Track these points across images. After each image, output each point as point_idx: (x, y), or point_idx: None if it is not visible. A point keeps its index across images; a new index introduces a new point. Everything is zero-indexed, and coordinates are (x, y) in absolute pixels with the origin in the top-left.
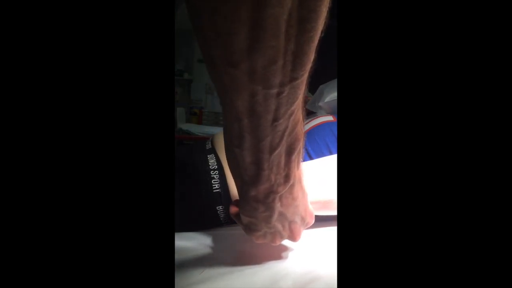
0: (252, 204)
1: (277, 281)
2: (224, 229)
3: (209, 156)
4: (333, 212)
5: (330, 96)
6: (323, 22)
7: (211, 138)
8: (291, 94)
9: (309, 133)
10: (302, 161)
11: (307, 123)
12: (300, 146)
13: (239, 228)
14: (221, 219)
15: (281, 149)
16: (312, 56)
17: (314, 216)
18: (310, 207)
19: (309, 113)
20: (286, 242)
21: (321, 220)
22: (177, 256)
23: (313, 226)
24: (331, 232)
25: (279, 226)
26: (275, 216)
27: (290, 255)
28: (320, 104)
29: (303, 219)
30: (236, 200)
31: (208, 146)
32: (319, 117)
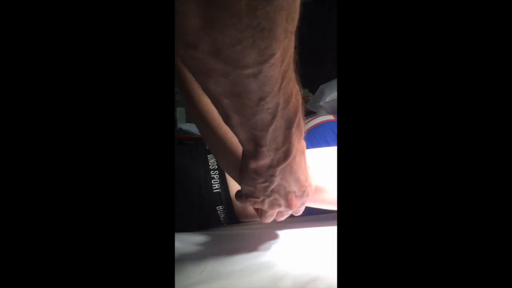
0: (251, 175)
1: (277, 281)
2: (224, 229)
3: (209, 156)
4: (325, 204)
5: (331, 95)
6: None
7: None
8: (272, 72)
9: (310, 132)
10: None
11: (307, 122)
12: (299, 118)
13: (239, 228)
14: (221, 219)
15: (277, 125)
16: (290, 25)
17: (313, 187)
18: (311, 178)
19: (310, 113)
20: (286, 242)
21: (321, 220)
22: (177, 256)
23: (313, 226)
24: (331, 232)
25: (277, 195)
26: (273, 186)
27: (290, 255)
28: (321, 103)
29: (302, 190)
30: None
31: None
32: (319, 116)
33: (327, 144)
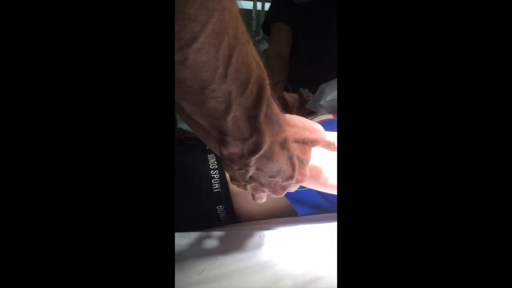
0: (226, 161)
1: (277, 281)
2: (224, 229)
3: (209, 156)
4: (319, 185)
5: (331, 95)
6: None
7: None
8: (203, 57)
9: None
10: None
11: None
12: (267, 107)
13: (239, 227)
14: (221, 218)
15: (236, 114)
16: (216, 2)
17: (306, 175)
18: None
19: (310, 112)
20: (286, 241)
21: (321, 220)
22: (177, 256)
23: (313, 226)
24: (331, 232)
25: (258, 183)
26: (250, 174)
27: (290, 255)
28: (321, 103)
29: (288, 179)
30: None
31: None
32: (319, 115)
33: None
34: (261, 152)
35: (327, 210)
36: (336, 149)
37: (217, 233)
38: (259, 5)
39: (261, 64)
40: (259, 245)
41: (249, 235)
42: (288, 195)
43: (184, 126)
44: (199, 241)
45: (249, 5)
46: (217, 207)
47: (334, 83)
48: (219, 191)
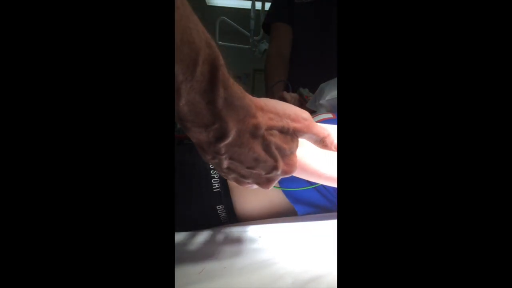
0: (198, 149)
1: (276, 280)
2: (224, 228)
3: None
4: (310, 174)
5: (331, 94)
6: None
7: None
8: None
9: None
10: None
11: None
12: (224, 92)
13: (239, 227)
14: (221, 218)
15: (189, 99)
16: None
17: (294, 165)
18: (293, 156)
19: (310, 112)
20: (286, 241)
21: (320, 219)
22: (177, 255)
23: (313, 225)
24: (330, 231)
25: (237, 174)
26: (225, 164)
27: (290, 253)
28: (321, 102)
29: (273, 168)
30: None
31: None
32: (319, 114)
33: None
34: (228, 139)
35: (326, 210)
36: (327, 147)
37: (216, 233)
38: (259, 5)
39: (212, 43)
40: (258, 244)
41: (248, 235)
42: (288, 194)
43: None
44: (198, 240)
45: (248, 5)
46: (217, 207)
47: (333, 83)
48: (219, 190)
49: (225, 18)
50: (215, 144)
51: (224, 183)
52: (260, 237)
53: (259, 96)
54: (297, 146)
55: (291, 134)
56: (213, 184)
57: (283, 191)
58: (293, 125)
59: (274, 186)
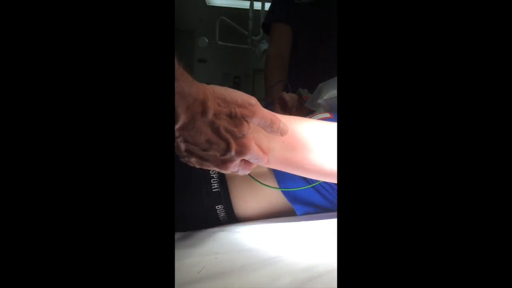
0: None
1: (275, 279)
2: (223, 228)
3: None
4: (294, 168)
5: (329, 94)
6: None
7: None
8: None
9: None
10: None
11: None
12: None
13: (238, 227)
14: (221, 218)
15: None
16: None
17: (247, 147)
18: (249, 138)
19: (309, 111)
20: (285, 240)
21: (319, 219)
22: (176, 255)
23: (312, 224)
24: (329, 231)
25: (196, 156)
26: (183, 146)
27: (289, 253)
28: (319, 101)
29: (226, 150)
30: None
31: None
32: (317, 114)
33: None
34: (179, 123)
35: (325, 209)
36: (274, 132)
37: (215, 232)
38: (259, 5)
39: None
40: (258, 244)
41: (247, 234)
42: (287, 194)
43: None
44: (197, 240)
45: (247, 5)
46: (216, 206)
47: (331, 82)
48: (218, 190)
49: (225, 18)
50: None
51: (223, 183)
52: (259, 236)
53: (259, 96)
54: (248, 129)
55: (239, 119)
56: (212, 184)
57: (282, 191)
58: (239, 110)
59: (272, 187)
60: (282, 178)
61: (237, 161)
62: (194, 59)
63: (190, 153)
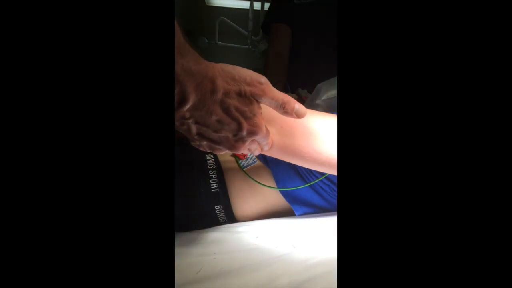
0: None
1: (273, 280)
2: (221, 228)
3: (207, 156)
4: (292, 158)
5: (327, 94)
6: None
7: None
8: None
9: None
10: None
11: None
12: (180, 61)
13: (236, 227)
14: (219, 218)
15: None
16: None
17: (259, 126)
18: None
19: None
20: (283, 241)
21: (318, 219)
22: (174, 255)
23: (311, 225)
24: (328, 231)
25: (207, 140)
26: (194, 129)
27: (288, 253)
28: (317, 102)
29: (238, 129)
30: None
31: None
32: None
33: None
34: (189, 103)
35: (324, 210)
36: (288, 114)
37: (214, 233)
38: (258, 5)
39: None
40: (256, 244)
41: (246, 235)
42: (285, 194)
43: None
44: (196, 240)
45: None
46: (215, 207)
47: (330, 83)
48: (217, 191)
49: (225, 18)
50: (178, 109)
51: (222, 183)
52: (257, 237)
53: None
54: (259, 109)
55: (249, 98)
56: (211, 185)
57: (281, 191)
58: (248, 88)
59: (270, 186)
60: (280, 178)
61: (248, 141)
62: None
63: (201, 136)
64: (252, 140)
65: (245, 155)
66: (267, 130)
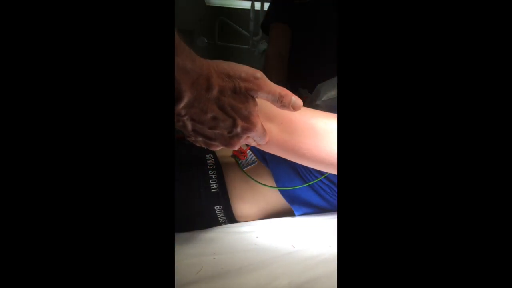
0: None
1: (273, 280)
2: (221, 228)
3: (207, 156)
4: (291, 155)
5: (327, 95)
6: None
7: None
8: None
9: None
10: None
11: None
12: (175, 59)
13: (237, 227)
14: (219, 218)
15: None
16: None
17: (254, 123)
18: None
19: None
20: (283, 241)
21: (317, 219)
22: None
23: (310, 226)
24: (327, 232)
25: (203, 136)
26: (189, 126)
27: (287, 254)
28: (317, 102)
29: (233, 126)
30: None
31: None
32: None
33: None
34: (185, 100)
35: (324, 210)
36: (285, 107)
37: (214, 233)
38: (258, 5)
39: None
40: (256, 244)
41: (246, 235)
42: (285, 194)
43: None
44: (196, 240)
45: (247, 5)
46: (215, 207)
47: (329, 83)
48: (217, 191)
49: (225, 18)
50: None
51: (222, 183)
52: (257, 237)
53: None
54: (254, 106)
55: (244, 94)
56: (211, 185)
57: (280, 191)
58: (244, 84)
59: (270, 186)
60: (280, 178)
61: (244, 138)
62: None
63: (196, 132)
64: (247, 137)
65: (245, 156)
66: (262, 127)
